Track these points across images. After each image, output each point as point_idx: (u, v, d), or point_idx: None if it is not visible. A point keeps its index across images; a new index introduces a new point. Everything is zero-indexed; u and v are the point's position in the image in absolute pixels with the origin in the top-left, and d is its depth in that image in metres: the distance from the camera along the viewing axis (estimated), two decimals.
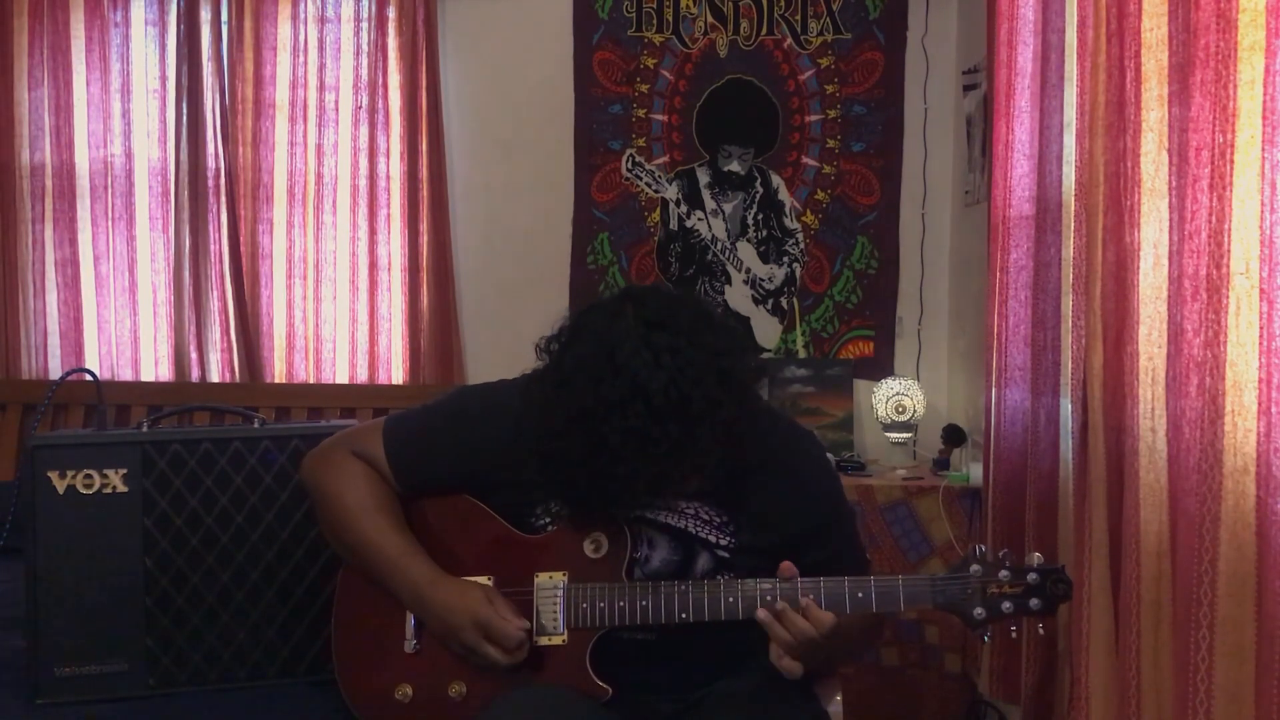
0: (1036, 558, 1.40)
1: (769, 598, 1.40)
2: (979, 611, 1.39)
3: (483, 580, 1.50)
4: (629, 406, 1.30)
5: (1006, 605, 1.39)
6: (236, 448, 1.71)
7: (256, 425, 1.74)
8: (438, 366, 3.34)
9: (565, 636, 1.47)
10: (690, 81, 3.37)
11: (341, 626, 1.58)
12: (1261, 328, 1.19)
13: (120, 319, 3.41)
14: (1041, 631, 1.50)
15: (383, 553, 1.51)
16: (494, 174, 3.41)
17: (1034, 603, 1.39)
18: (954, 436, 2.93)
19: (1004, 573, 1.40)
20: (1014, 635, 1.45)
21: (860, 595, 1.40)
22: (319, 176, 3.37)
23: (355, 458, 1.57)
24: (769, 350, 3.36)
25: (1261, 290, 1.19)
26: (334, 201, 3.38)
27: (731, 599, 1.41)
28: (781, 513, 1.51)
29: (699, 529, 1.51)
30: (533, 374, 1.45)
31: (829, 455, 1.73)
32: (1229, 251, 1.22)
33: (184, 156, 3.34)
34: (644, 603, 1.44)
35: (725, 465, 1.45)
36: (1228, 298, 1.22)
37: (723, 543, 1.50)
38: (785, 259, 3.37)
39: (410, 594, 1.50)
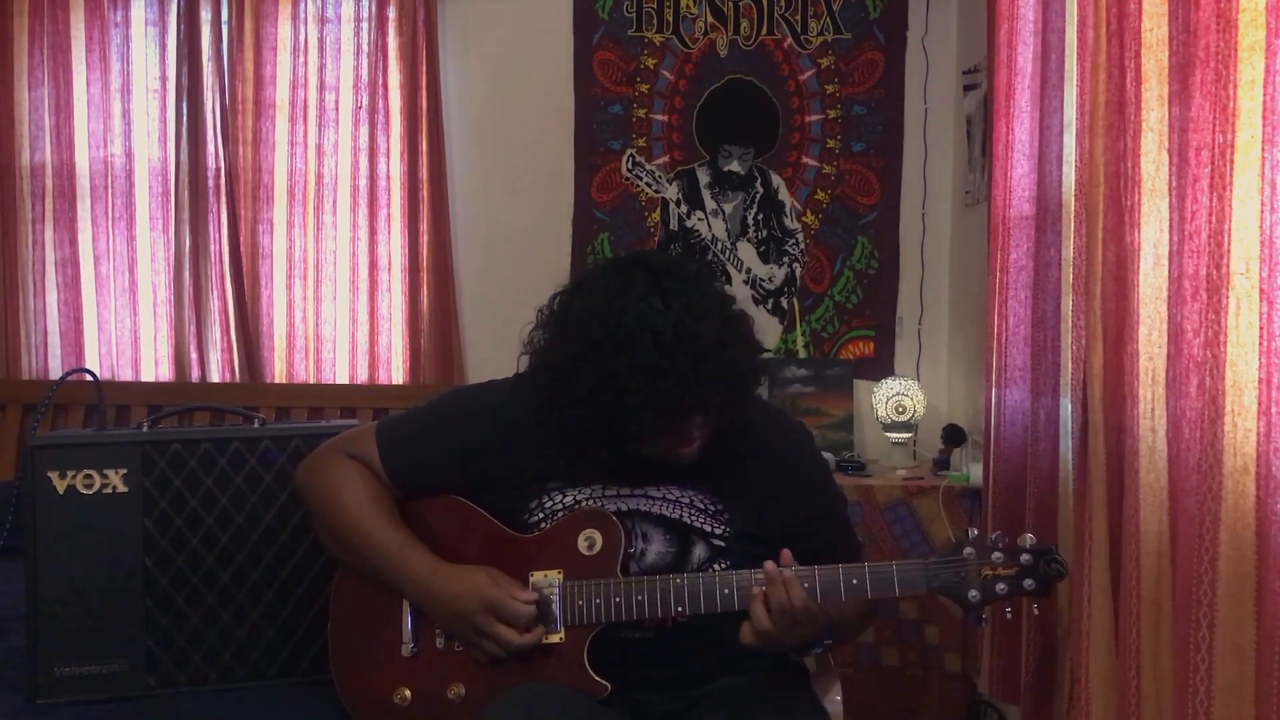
0: (1029, 538, 1.41)
1: (762, 588, 1.40)
2: (973, 594, 1.40)
3: None
4: (638, 342, 1.34)
5: (1001, 587, 1.40)
6: (236, 448, 1.71)
7: (256, 425, 1.75)
8: (438, 366, 3.34)
9: (562, 634, 1.47)
10: (690, 81, 3.37)
11: (338, 632, 1.58)
12: (1261, 328, 1.19)
13: (120, 319, 3.41)
14: (1037, 612, 1.51)
15: (382, 548, 1.52)
16: (494, 174, 3.41)
17: (1028, 583, 1.39)
18: (954, 436, 2.93)
19: (997, 554, 1.40)
20: (1009, 616, 1.45)
21: (855, 582, 1.41)
22: (319, 176, 3.37)
23: (350, 460, 1.58)
24: (769, 350, 3.36)
25: (1261, 290, 1.19)
26: (334, 201, 3.38)
27: (727, 590, 1.42)
28: (774, 500, 1.53)
29: (693, 518, 1.51)
30: (531, 334, 1.49)
31: (825, 454, 1.74)
32: (1229, 251, 1.22)
33: (184, 156, 3.33)
34: (639, 597, 1.44)
35: (719, 449, 1.47)
36: (1228, 298, 1.22)
37: (718, 531, 1.51)
38: (785, 259, 3.37)
39: (412, 586, 1.50)
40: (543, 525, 1.53)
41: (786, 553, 1.43)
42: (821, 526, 1.55)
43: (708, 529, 1.51)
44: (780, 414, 1.68)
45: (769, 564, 1.41)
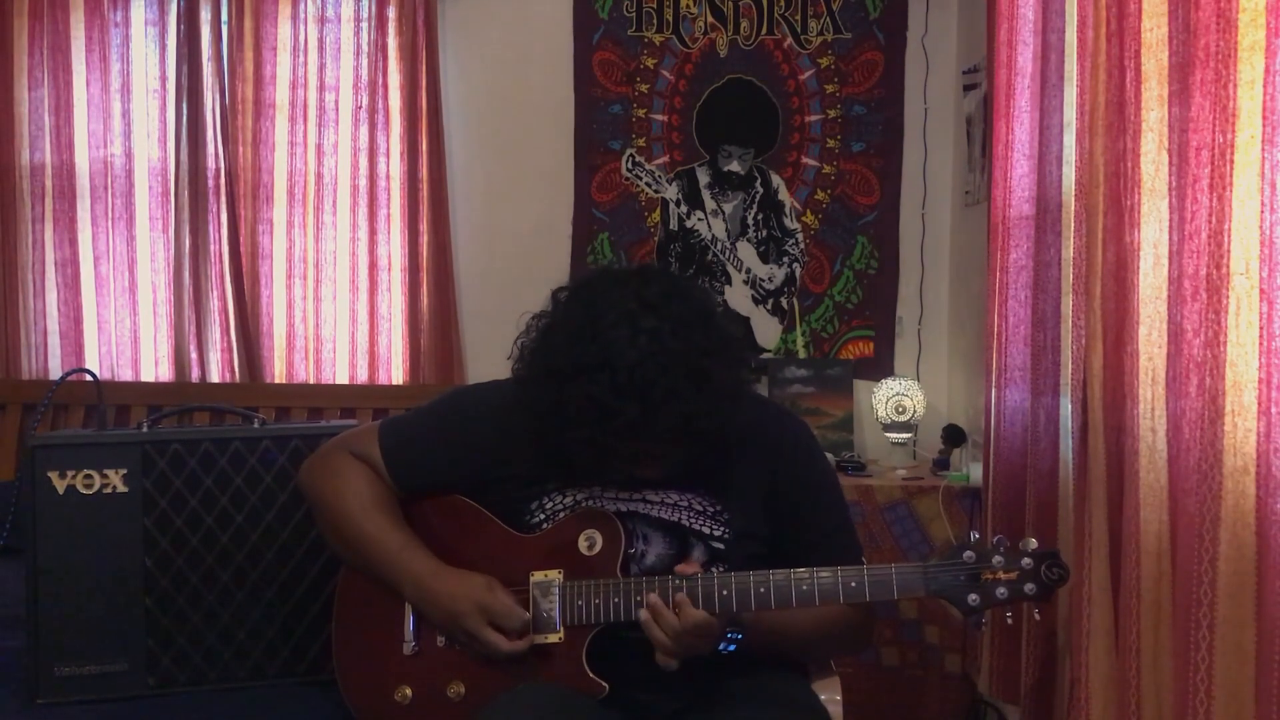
0: (1031, 543, 1.39)
1: (762, 590, 1.40)
2: (973, 598, 1.38)
3: None
4: (595, 374, 1.33)
5: (1001, 591, 1.37)
6: (236, 448, 1.71)
7: (256, 425, 1.75)
8: (438, 366, 3.34)
9: (561, 634, 1.47)
10: (690, 81, 3.37)
11: (341, 630, 1.59)
12: (1261, 328, 1.19)
13: (120, 319, 3.40)
14: (1038, 617, 1.49)
15: (384, 548, 1.52)
16: (494, 174, 3.41)
17: (1029, 588, 1.37)
18: (954, 436, 2.93)
19: (998, 558, 1.38)
20: (1009, 621, 1.44)
21: (854, 585, 1.40)
22: (319, 176, 3.37)
23: (353, 459, 1.58)
24: (769, 350, 3.36)
25: (1261, 290, 1.19)
26: (334, 201, 3.38)
27: (725, 592, 1.41)
28: (768, 495, 1.52)
29: (692, 520, 1.51)
30: (529, 324, 1.49)
31: (829, 455, 1.73)
32: (1229, 251, 1.22)
33: (184, 156, 3.33)
34: (638, 599, 1.44)
35: (711, 453, 1.46)
36: (1228, 298, 1.22)
37: (716, 533, 1.51)
38: (785, 259, 3.37)
39: (412, 586, 1.51)
40: (544, 525, 1.53)
41: (681, 567, 1.43)
42: (816, 520, 1.54)
43: (706, 531, 1.51)
44: (781, 411, 1.67)
45: (652, 597, 1.40)
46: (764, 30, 3.34)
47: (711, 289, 3.33)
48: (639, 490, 1.52)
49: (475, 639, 1.46)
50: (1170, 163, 1.38)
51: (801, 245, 3.37)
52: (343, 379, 3.40)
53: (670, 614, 1.38)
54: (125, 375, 3.40)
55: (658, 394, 1.32)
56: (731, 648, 1.44)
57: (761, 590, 1.40)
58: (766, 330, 3.37)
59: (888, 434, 3.12)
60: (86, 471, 1.65)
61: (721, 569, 1.48)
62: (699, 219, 3.38)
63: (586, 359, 1.34)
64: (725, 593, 1.41)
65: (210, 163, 3.34)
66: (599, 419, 1.34)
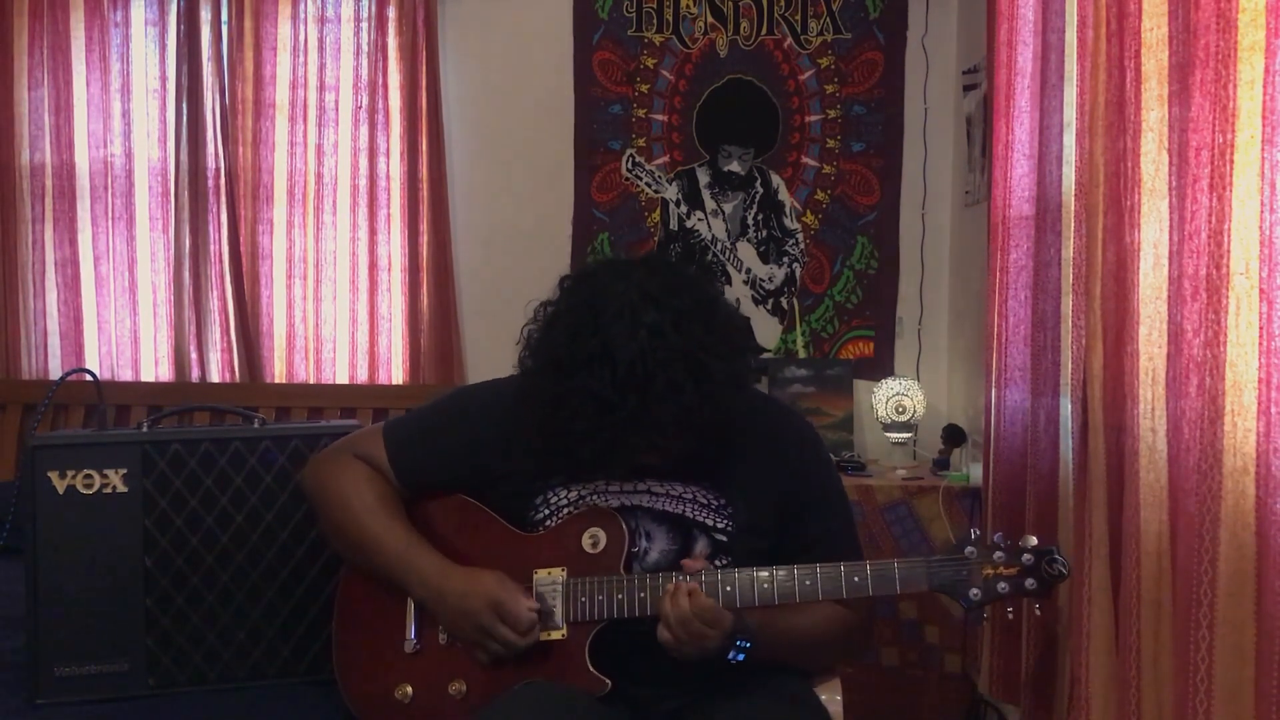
0: (1031, 539, 1.42)
1: (765, 585, 1.40)
2: (974, 593, 1.41)
3: None
4: (596, 367, 1.34)
5: (1002, 586, 1.40)
6: (236, 448, 1.71)
7: (256, 425, 1.75)
8: (438, 366, 3.34)
9: (565, 631, 1.48)
10: (690, 81, 3.37)
11: (342, 628, 1.59)
12: (1261, 328, 1.19)
13: (120, 319, 3.41)
14: (1038, 612, 1.52)
15: (391, 548, 1.53)
16: (494, 174, 3.41)
17: (1030, 583, 1.40)
18: (954, 436, 2.93)
19: (999, 554, 1.41)
20: (1010, 616, 1.46)
21: (857, 580, 1.41)
22: (319, 176, 3.37)
23: (358, 460, 1.59)
24: (769, 350, 3.36)
25: (1261, 290, 1.19)
26: (334, 201, 3.38)
27: (729, 588, 1.42)
28: (770, 489, 1.53)
29: (696, 513, 1.52)
30: (535, 312, 1.50)
31: (832, 455, 1.73)
32: (1229, 251, 1.22)
33: (184, 156, 3.34)
34: (642, 594, 1.44)
35: (712, 446, 1.47)
36: (1228, 298, 1.22)
37: (720, 525, 1.51)
38: (785, 259, 3.37)
39: (421, 585, 1.51)
40: (548, 522, 1.54)
41: (686, 562, 1.44)
42: (817, 514, 1.55)
43: (710, 523, 1.51)
44: (784, 409, 1.69)
45: (673, 584, 1.41)
46: (764, 30, 3.34)
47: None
48: (643, 481, 1.52)
49: (489, 635, 1.46)
50: (1170, 163, 1.38)
51: (801, 245, 3.37)
52: (343, 379, 3.41)
53: (684, 600, 1.38)
54: (125, 375, 3.40)
55: (657, 388, 1.33)
56: (741, 657, 1.44)
57: (765, 585, 1.40)
58: (766, 330, 3.37)
59: (888, 434, 3.12)
60: (86, 471, 1.65)
61: (725, 561, 1.48)
62: (699, 219, 3.38)
63: (587, 352, 1.35)
64: (729, 588, 1.42)
65: (210, 163, 3.34)
66: (599, 412, 1.34)
